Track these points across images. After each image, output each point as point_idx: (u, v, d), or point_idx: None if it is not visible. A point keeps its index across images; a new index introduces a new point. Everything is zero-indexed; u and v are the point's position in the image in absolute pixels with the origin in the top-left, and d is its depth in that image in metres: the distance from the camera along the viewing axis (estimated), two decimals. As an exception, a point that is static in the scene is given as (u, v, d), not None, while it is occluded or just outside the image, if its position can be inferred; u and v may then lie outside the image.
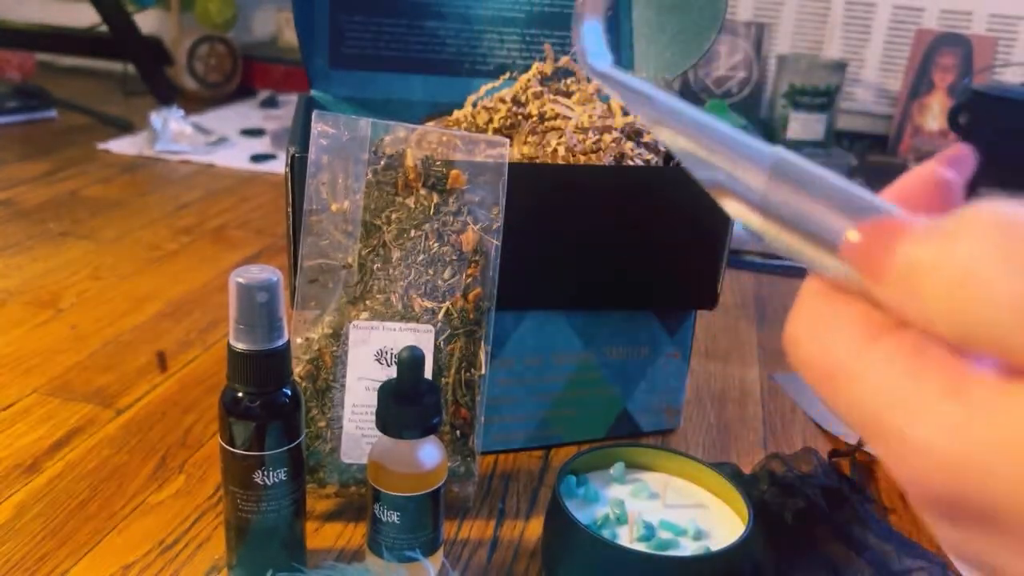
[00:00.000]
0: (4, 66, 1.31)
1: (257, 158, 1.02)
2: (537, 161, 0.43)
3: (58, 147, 1.01)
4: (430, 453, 0.33)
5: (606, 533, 0.33)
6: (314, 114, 0.36)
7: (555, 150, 0.43)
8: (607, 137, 0.43)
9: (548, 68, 0.48)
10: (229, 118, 1.21)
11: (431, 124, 0.47)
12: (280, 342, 0.30)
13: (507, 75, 0.50)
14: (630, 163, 0.43)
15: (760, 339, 0.61)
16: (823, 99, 1.23)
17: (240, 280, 0.29)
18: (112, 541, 0.37)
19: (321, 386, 0.37)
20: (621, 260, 0.43)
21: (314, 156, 0.36)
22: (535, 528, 0.39)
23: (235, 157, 1.02)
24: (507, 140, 0.38)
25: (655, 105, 0.17)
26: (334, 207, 0.36)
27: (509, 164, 0.37)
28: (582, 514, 0.34)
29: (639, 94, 0.18)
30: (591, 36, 0.19)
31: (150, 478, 0.41)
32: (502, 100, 0.45)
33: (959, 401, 0.13)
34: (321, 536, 0.38)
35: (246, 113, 1.26)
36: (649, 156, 0.44)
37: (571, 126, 0.43)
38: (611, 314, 0.44)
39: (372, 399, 0.36)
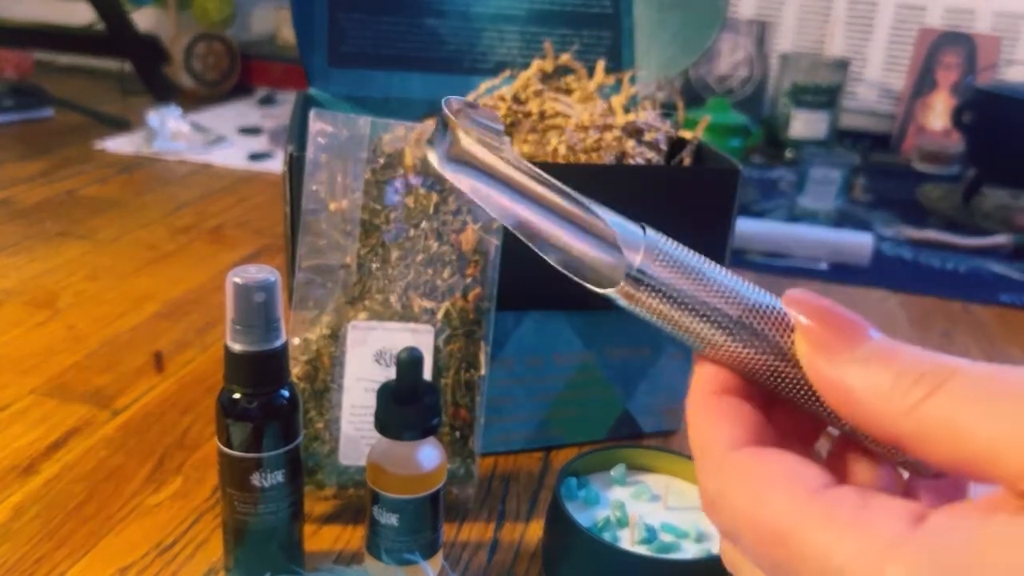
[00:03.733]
0: (1, 64, 1.31)
1: (255, 157, 1.01)
2: (537, 160, 0.43)
3: (55, 146, 1.01)
4: (429, 455, 0.33)
5: (607, 536, 0.33)
6: (312, 113, 0.36)
7: (556, 148, 0.42)
8: (608, 135, 0.43)
9: (548, 66, 0.47)
10: (227, 116, 1.21)
11: (430, 122, 0.47)
12: (278, 343, 0.30)
13: (507, 73, 0.50)
14: (631, 162, 0.43)
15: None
16: (826, 97, 1.23)
17: (238, 280, 0.29)
18: (109, 543, 0.37)
19: (319, 387, 0.37)
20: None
21: (312, 155, 0.36)
22: (535, 530, 0.39)
23: (233, 156, 1.01)
24: (507, 139, 0.37)
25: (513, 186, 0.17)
26: (332, 206, 0.36)
27: (509, 163, 0.37)
28: (583, 516, 0.33)
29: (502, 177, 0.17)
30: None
31: (147, 480, 0.41)
32: (502, 98, 0.45)
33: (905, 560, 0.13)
34: (319, 538, 0.38)
35: (244, 111, 1.25)
36: (650, 155, 0.44)
37: (572, 124, 0.43)
38: (611, 314, 0.44)
39: (371, 400, 0.36)
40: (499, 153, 0.16)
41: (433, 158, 0.17)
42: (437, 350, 0.36)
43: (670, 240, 0.17)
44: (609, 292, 0.16)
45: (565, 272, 0.17)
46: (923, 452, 0.15)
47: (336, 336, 0.36)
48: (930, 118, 1.28)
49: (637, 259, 0.16)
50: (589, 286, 0.17)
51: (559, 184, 0.17)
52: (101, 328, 0.57)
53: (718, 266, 0.17)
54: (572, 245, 0.17)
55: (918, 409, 0.14)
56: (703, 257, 0.17)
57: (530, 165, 0.17)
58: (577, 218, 0.17)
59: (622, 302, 0.17)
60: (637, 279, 0.16)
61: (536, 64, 0.47)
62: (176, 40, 1.32)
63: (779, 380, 0.17)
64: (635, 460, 0.37)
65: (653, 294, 0.16)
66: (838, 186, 0.94)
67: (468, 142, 0.17)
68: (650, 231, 0.17)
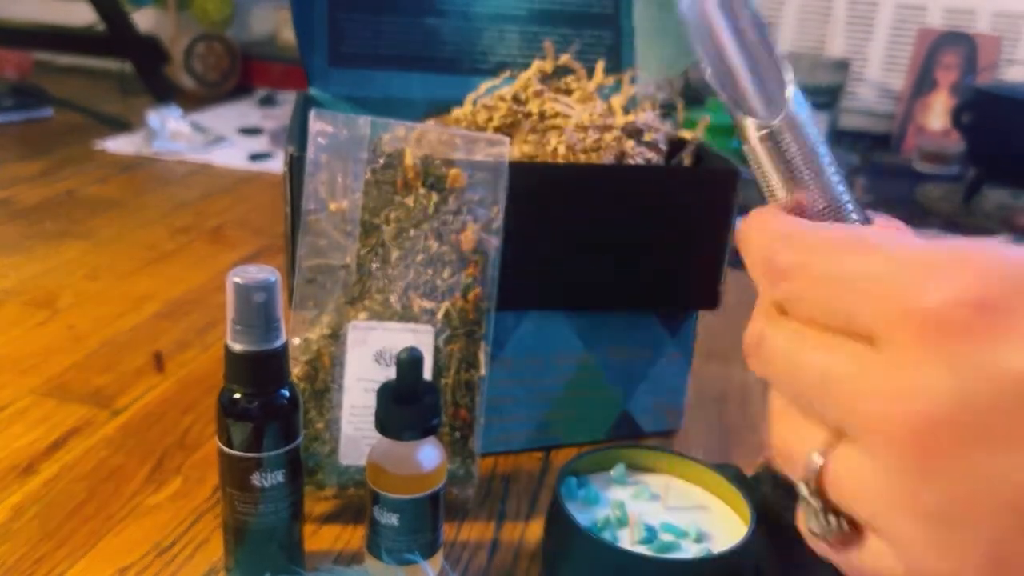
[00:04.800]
0: (1, 65, 1.31)
1: (255, 157, 1.01)
2: (537, 160, 0.43)
3: (55, 146, 1.01)
4: (429, 455, 0.33)
5: (607, 535, 0.33)
6: (312, 113, 0.36)
7: (555, 149, 0.42)
8: (608, 136, 0.43)
9: (548, 66, 0.47)
10: (227, 117, 1.21)
11: (430, 123, 0.47)
12: (278, 343, 0.30)
13: (507, 73, 0.50)
14: (631, 162, 0.43)
15: (761, 339, 0.61)
16: (826, 98, 1.23)
17: (238, 280, 0.29)
18: (109, 543, 0.37)
19: (319, 387, 0.37)
20: (622, 260, 0.42)
21: (312, 155, 0.36)
22: (535, 530, 0.39)
23: (233, 156, 1.01)
24: (507, 139, 0.38)
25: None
26: (332, 206, 0.36)
27: (509, 163, 0.37)
28: (583, 516, 0.33)
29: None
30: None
31: (147, 480, 0.41)
32: (502, 98, 0.45)
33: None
34: (319, 538, 0.38)
35: (244, 112, 1.25)
36: (650, 155, 0.44)
37: (571, 124, 0.43)
38: (612, 314, 0.44)
39: (371, 400, 0.36)
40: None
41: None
42: (437, 350, 0.36)
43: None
44: (757, 122, 0.20)
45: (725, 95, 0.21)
46: None
47: (336, 336, 0.36)
48: (930, 118, 1.28)
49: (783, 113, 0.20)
50: (741, 114, 0.20)
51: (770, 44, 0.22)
52: (101, 328, 0.57)
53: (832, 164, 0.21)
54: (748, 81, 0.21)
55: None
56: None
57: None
58: (765, 62, 0.21)
59: (756, 135, 0.20)
60: (775, 132, 0.20)
61: (536, 64, 0.47)
62: (176, 40, 1.32)
63: None
64: (635, 460, 0.37)
65: (786, 141, 0.20)
66: (838, 186, 0.94)
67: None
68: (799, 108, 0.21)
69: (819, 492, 0.17)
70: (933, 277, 0.15)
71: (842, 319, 0.17)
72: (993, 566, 0.15)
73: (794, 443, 0.18)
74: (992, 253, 0.15)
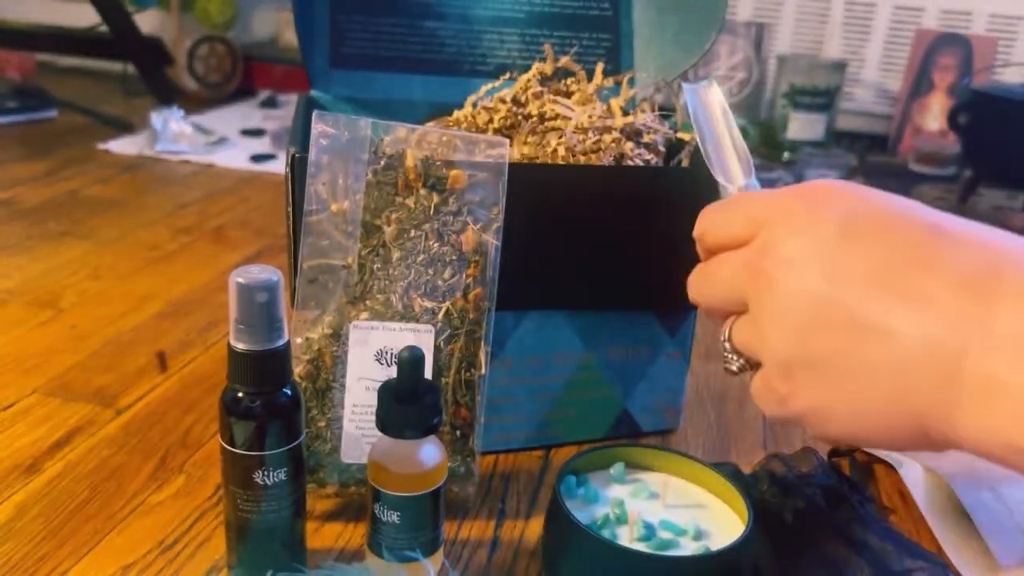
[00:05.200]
0: (4, 66, 1.31)
1: (257, 158, 1.02)
2: (537, 161, 0.43)
3: (58, 147, 1.01)
4: (430, 453, 0.33)
5: (606, 533, 0.33)
6: (314, 114, 0.36)
7: (555, 150, 0.43)
8: (607, 137, 0.43)
9: (548, 68, 0.48)
10: (229, 118, 1.21)
11: (431, 124, 0.47)
12: (280, 342, 0.30)
13: (507, 75, 0.50)
14: (630, 163, 0.43)
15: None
16: (823, 99, 1.23)
17: (240, 280, 0.29)
18: (112, 541, 0.37)
19: (321, 386, 0.37)
20: (621, 260, 0.43)
21: (314, 156, 0.36)
22: (535, 528, 0.39)
23: (235, 157, 1.02)
24: (507, 140, 0.38)
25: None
26: (334, 207, 0.36)
27: (509, 164, 0.37)
28: (582, 514, 0.34)
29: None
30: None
31: (150, 478, 0.41)
32: (502, 100, 0.45)
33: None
34: (321, 536, 0.38)
35: (246, 113, 1.26)
36: (649, 156, 0.44)
37: (571, 126, 0.43)
38: (611, 314, 0.44)
39: (372, 399, 0.36)
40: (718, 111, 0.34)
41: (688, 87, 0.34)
42: (438, 349, 0.37)
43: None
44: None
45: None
46: None
47: (338, 336, 0.37)
48: (927, 119, 1.28)
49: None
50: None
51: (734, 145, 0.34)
52: (103, 328, 0.57)
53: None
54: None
55: None
56: None
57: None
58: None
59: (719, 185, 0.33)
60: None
61: (536, 66, 0.48)
62: (179, 42, 1.32)
63: None
64: (634, 459, 0.38)
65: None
66: (836, 187, 0.94)
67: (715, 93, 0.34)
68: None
69: (732, 347, 0.28)
70: (775, 197, 0.27)
71: (729, 240, 0.28)
72: (803, 368, 0.24)
73: (712, 315, 0.30)
74: (804, 185, 0.26)
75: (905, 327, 0.20)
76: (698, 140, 0.34)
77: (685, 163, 0.45)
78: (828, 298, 0.22)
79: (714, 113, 0.34)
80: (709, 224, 0.30)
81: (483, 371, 0.37)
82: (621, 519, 0.34)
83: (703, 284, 0.29)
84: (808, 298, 0.23)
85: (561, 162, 0.43)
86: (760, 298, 0.25)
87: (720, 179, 0.33)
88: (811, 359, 0.23)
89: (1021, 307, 0.19)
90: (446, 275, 0.37)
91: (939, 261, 0.20)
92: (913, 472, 0.43)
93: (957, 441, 0.21)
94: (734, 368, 0.28)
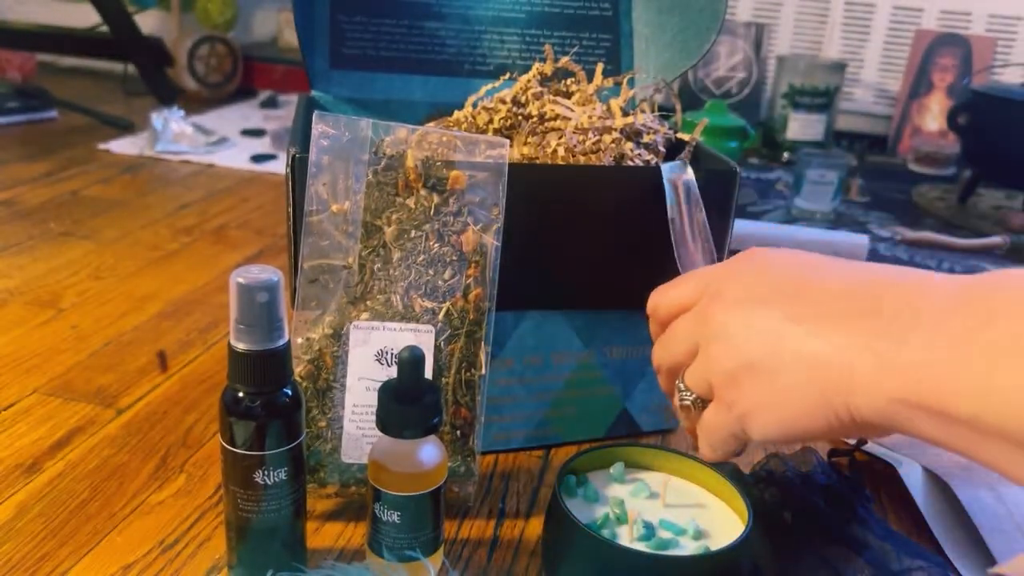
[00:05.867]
0: (5, 66, 1.32)
1: (257, 158, 1.02)
2: (537, 162, 0.43)
3: (59, 147, 1.01)
4: (430, 453, 0.33)
5: (606, 533, 0.33)
6: (315, 115, 0.36)
7: (555, 151, 0.43)
8: (607, 138, 0.43)
9: (548, 69, 0.48)
10: (229, 118, 1.21)
11: (431, 125, 0.47)
12: (280, 342, 0.30)
13: (507, 76, 0.50)
14: (630, 163, 0.43)
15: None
16: (822, 99, 1.23)
17: (241, 280, 0.29)
18: (113, 541, 0.37)
19: (322, 386, 0.37)
20: (621, 260, 0.43)
21: (315, 157, 0.36)
22: (535, 527, 0.39)
23: (235, 157, 1.02)
24: (507, 141, 0.38)
25: None
26: (334, 208, 0.36)
27: (509, 165, 0.37)
28: (582, 514, 0.34)
29: None
30: None
31: (151, 478, 0.42)
32: (502, 101, 0.46)
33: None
34: (321, 536, 0.38)
35: (246, 113, 1.26)
36: (649, 156, 0.45)
37: (571, 127, 0.44)
38: (611, 314, 0.44)
39: (372, 399, 0.36)
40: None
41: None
42: (438, 349, 0.37)
43: None
44: None
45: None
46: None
47: (338, 336, 0.37)
48: (926, 120, 1.29)
49: None
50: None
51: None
52: (104, 327, 0.57)
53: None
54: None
55: None
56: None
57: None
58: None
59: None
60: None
61: (536, 67, 0.48)
62: (179, 43, 1.32)
63: None
64: (634, 458, 0.38)
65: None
66: (835, 187, 0.94)
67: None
68: None
69: (686, 386, 0.33)
70: (698, 277, 0.34)
71: (680, 307, 0.33)
72: (752, 407, 0.29)
73: (671, 378, 0.34)
74: (709, 269, 0.34)
75: (810, 345, 0.27)
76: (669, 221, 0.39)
77: (685, 163, 0.45)
78: (760, 317, 0.29)
79: (679, 200, 0.39)
80: (661, 298, 0.35)
81: (483, 371, 0.37)
82: (621, 519, 0.34)
83: (664, 350, 0.34)
84: (744, 318, 0.29)
85: (561, 162, 0.43)
86: (708, 332, 0.31)
87: (680, 269, 0.39)
88: (751, 361, 0.28)
89: (894, 319, 0.26)
90: (446, 275, 0.37)
91: (834, 301, 0.28)
92: (913, 472, 0.43)
93: (858, 413, 0.26)
94: (688, 402, 0.32)
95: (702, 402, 0.32)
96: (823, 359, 0.26)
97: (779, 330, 0.28)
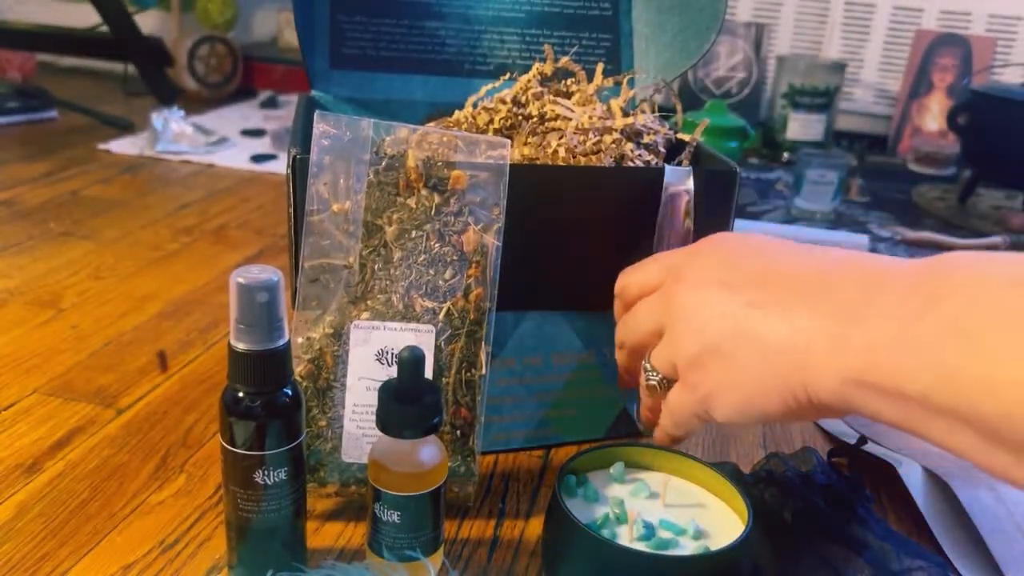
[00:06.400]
0: (5, 66, 1.32)
1: (257, 158, 1.02)
2: (538, 162, 0.43)
3: (59, 147, 1.01)
4: (430, 453, 0.33)
5: (606, 533, 0.33)
6: (316, 114, 0.36)
7: (555, 151, 0.43)
8: (607, 138, 0.43)
9: (548, 69, 0.48)
10: (229, 118, 1.21)
11: (431, 125, 0.47)
12: (281, 342, 0.30)
13: (507, 76, 0.50)
14: (630, 164, 0.43)
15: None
16: (822, 99, 1.23)
17: (241, 280, 0.29)
18: (113, 541, 0.37)
19: (322, 386, 0.37)
20: (621, 261, 0.43)
21: (316, 157, 0.36)
22: (535, 527, 0.39)
23: (235, 157, 1.02)
24: (508, 141, 0.38)
25: None
26: (335, 207, 0.36)
27: (510, 165, 0.37)
28: (582, 514, 0.34)
29: None
30: None
31: (151, 478, 0.42)
32: (502, 101, 0.46)
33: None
34: (321, 535, 0.38)
35: (246, 113, 1.26)
36: (649, 157, 0.45)
37: (571, 127, 0.44)
38: (610, 314, 0.44)
39: (373, 399, 0.36)
40: None
41: None
42: (438, 349, 0.37)
43: None
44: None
45: None
46: None
47: (339, 335, 0.37)
48: (926, 120, 1.29)
49: None
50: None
51: None
52: (104, 327, 0.57)
53: None
54: None
55: None
56: None
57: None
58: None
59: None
60: None
61: (536, 67, 0.48)
62: (179, 43, 1.32)
63: None
64: (633, 458, 0.38)
65: None
66: (834, 187, 0.94)
67: None
68: None
69: (652, 366, 0.34)
70: (657, 261, 0.36)
71: (646, 287, 0.35)
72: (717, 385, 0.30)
73: (635, 359, 0.36)
74: (668, 255, 0.36)
75: (768, 327, 0.28)
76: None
77: (685, 164, 0.45)
78: (721, 300, 0.30)
79: (672, 207, 0.41)
80: (628, 280, 0.37)
81: (483, 371, 0.38)
82: (621, 519, 0.34)
83: (627, 329, 0.35)
84: (706, 301, 0.30)
85: (561, 163, 0.43)
86: (672, 313, 0.32)
87: None
88: (714, 344, 0.30)
89: (849, 301, 0.27)
90: (447, 275, 0.37)
91: (793, 285, 0.29)
92: (913, 472, 0.43)
93: (815, 394, 0.27)
94: (654, 382, 0.34)
95: (667, 382, 0.33)
96: (781, 342, 0.27)
97: (739, 314, 0.29)
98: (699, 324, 0.30)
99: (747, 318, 0.29)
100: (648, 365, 0.34)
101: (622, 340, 0.37)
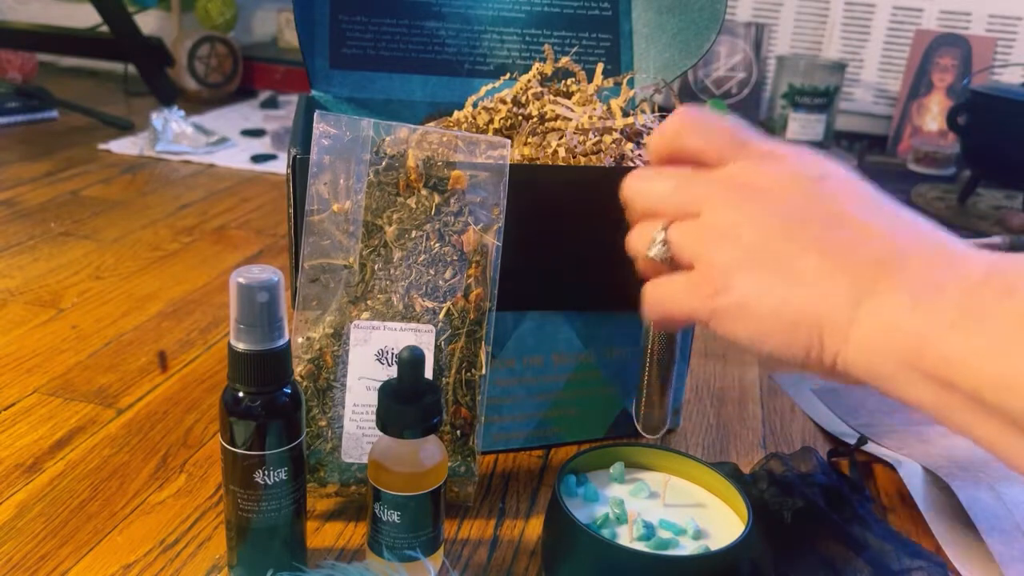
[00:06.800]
0: (6, 67, 1.32)
1: (258, 158, 1.02)
2: (537, 162, 0.43)
3: (59, 147, 1.01)
4: (430, 453, 0.33)
5: (606, 532, 0.33)
6: (316, 114, 0.36)
7: (555, 151, 0.43)
8: (607, 138, 0.43)
9: (548, 69, 0.48)
10: (230, 118, 1.21)
11: (431, 125, 0.47)
12: (281, 342, 0.31)
13: (507, 76, 0.50)
14: (630, 164, 0.43)
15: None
16: (822, 99, 1.23)
17: (241, 280, 0.29)
18: (113, 540, 0.37)
19: (322, 385, 0.37)
20: (621, 260, 0.43)
21: (316, 157, 0.36)
22: (535, 527, 0.39)
23: (236, 157, 1.02)
24: (508, 141, 0.38)
25: None
26: (335, 207, 0.36)
27: (510, 165, 0.37)
28: (582, 513, 0.34)
29: None
30: None
31: (151, 477, 0.42)
32: (502, 101, 0.46)
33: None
34: (322, 535, 0.38)
35: (246, 113, 1.26)
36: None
37: (571, 127, 0.44)
38: (611, 314, 0.44)
39: (373, 399, 0.37)
40: None
41: None
42: (439, 349, 0.37)
43: None
44: None
45: None
46: None
47: (339, 335, 0.37)
48: (926, 120, 1.29)
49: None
50: None
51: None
52: (105, 327, 0.57)
53: None
54: None
55: None
56: None
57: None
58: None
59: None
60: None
61: (536, 67, 0.48)
62: (179, 43, 1.32)
63: None
64: (633, 458, 0.38)
65: None
66: (836, 188, 0.94)
67: None
68: None
69: (665, 241, 0.30)
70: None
71: (704, 147, 0.30)
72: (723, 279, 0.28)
73: (647, 230, 0.31)
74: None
75: (822, 280, 0.26)
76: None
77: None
78: (784, 227, 0.27)
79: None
80: (693, 123, 0.31)
81: (483, 371, 0.38)
82: (621, 518, 0.34)
83: (649, 184, 0.31)
84: (768, 218, 0.27)
85: (561, 163, 0.43)
86: (725, 203, 0.28)
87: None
88: (752, 264, 0.27)
89: (914, 280, 0.25)
90: (447, 275, 0.37)
91: (862, 241, 0.26)
92: (913, 472, 0.43)
93: (844, 361, 0.26)
94: (654, 252, 0.30)
95: (671, 261, 0.30)
96: (829, 299, 0.25)
97: (794, 250, 0.26)
98: (748, 239, 0.27)
99: (800, 257, 0.26)
100: (662, 235, 0.30)
101: (634, 194, 0.32)
